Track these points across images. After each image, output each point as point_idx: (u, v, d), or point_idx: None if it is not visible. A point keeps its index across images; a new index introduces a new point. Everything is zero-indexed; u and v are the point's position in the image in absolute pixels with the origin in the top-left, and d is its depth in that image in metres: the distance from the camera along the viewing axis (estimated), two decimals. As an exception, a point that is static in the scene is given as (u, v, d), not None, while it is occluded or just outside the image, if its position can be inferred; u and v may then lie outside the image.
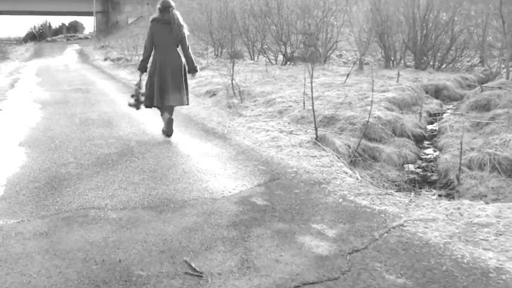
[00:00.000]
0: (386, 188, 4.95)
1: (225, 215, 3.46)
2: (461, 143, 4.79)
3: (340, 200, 3.78)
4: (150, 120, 7.20)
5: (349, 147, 5.67)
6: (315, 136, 5.67)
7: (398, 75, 9.05)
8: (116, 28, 46.01)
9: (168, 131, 5.99)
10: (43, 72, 17.10)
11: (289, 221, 3.34)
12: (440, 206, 3.50)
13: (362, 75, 10.70)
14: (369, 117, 5.94)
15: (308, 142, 5.61)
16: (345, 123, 6.43)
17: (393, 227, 3.18)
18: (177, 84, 5.83)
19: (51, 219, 3.40)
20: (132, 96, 6.19)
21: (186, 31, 5.89)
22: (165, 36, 5.73)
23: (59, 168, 4.71)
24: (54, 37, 51.62)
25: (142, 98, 6.06)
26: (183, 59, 5.94)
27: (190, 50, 5.99)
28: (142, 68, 5.99)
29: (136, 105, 6.15)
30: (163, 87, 5.78)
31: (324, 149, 5.31)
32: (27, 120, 7.35)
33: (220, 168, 4.69)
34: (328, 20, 16.27)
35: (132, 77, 14.85)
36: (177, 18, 5.74)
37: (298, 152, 5.22)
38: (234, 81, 8.83)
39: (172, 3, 5.80)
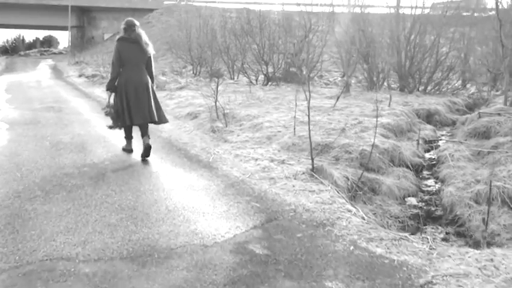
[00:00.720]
0: (389, 226, 4.51)
1: (220, 269, 2.92)
2: (489, 184, 4.36)
3: (352, 247, 3.29)
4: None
5: (348, 179, 5.20)
6: (310, 167, 5.19)
7: (390, 99, 8.69)
8: (92, 44, 45.20)
9: (145, 155, 5.92)
10: (14, 88, 16.32)
11: (297, 277, 2.83)
12: (469, 257, 3.05)
13: (350, 98, 10.33)
14: (372, 147, 5.50)
15: (303, 173, 5.12)
16: (339, 151, 5.98)
17: (421, 286, 2.70)
18: (145, 101, 5.85)
19: (10, 274, 2.82)
20: (107, 114, 6.24)
21: (151, 50, 5.97)
22: (132, 54, 5.75)
23: (23, 203, 4.11)
24: (27, 51, 50.43)
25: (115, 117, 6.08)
26: (148, 77, 6.00)
27: (154, 69, 6.19)
28: (110, 88, 5.96)
29: (116, 126, 6.17)
30: (131, 105, 5.78)
31: (321, 182, 4.84)
32: (-9, 143, 6.71)
33: (209, 205, 4.15)
34: (310, 40, 15.98)
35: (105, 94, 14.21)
36: (144, 37, 5.83)
37: (293, 186, 4.73)
38: (217, 104, 8.34)
39: (137, 23, 5.86)
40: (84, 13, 47.32)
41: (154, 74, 6.20)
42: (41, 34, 60.70)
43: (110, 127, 6.23)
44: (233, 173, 5.27)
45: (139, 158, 5.92)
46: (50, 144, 6.70)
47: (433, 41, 13.64)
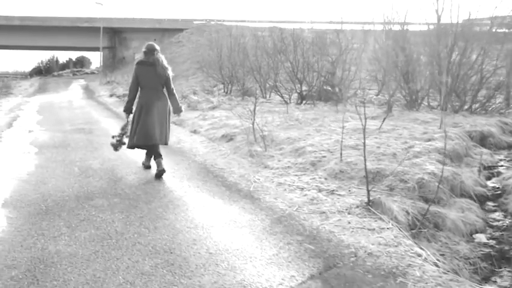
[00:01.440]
0: (461, 270, 3.89)
1: None
2: None
3: (436, 309, 2.69)
4: (167, 173, 6.16)
5: (408, 213, 4.59)
6: (365, 199, 4.60)
7: (442, 120, 8.03)
8: (123, 63, 45.68)
9: (158, 175, 5.96)
10: (45, 109, 16.24)
11: None
12: None
13: (393, 119, 9.69)
14: (441, 179, 4.87)
15: (357, 207, 4.54)
16: (393, 180, 5.37)
17: None
18: (161, 124, 6.01)
19: None
20: (113, 137, 6.33)
21: (170, 73, 6.06)
22: (149, 77, 5.89)
23: (47, 243, 3.65)
24: (60, 72, 51.32)
25: (126, 140, 6.22)
26: (168, 100, 6.15)
27: (174, 91, 6.26)
28: (128, 110, 6.13)
29: (116, 146, 6.29)
30: (147, 127, 5.88)
31: (380, 218, 4.24)
32: (18, 169, 6.33)
33: (256, 247, 3.61)
34: (344, 58, 15.45)
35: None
36: (162, 61, 5.93)
37: (349, 222, 4.15)
38: (254, 125, 7.84)
39: (157, 47, 6.02)
40: (115, 34, 47.97)
41: (177, 97, 6.35)
42: (74, 55, 61.86)
43: (112, 145, 6.35)
44: (278, 205, 4.73)
45: (173, 187, 5.44)
46: (79, 170, 6.29)
47: (476, 58, 12.91)
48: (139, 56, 6.07)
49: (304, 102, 16.21)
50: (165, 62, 5.99)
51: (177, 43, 39.88)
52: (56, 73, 49.64)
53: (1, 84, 24.44)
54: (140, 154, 6.96)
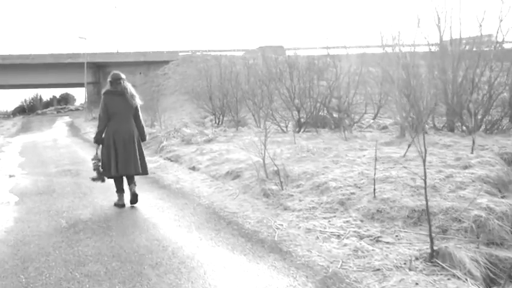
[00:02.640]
0: None
1: None
2: None
3: None
4: (167, 222, 5.25)
5: (478, 263, 3.71)
6: (427, 249, 3.72)
7: (474, 143, 7.22)
8: (108, 98, 44.72)
9: (132, 202, 6.05)
10: (28, 149, 15.23)
11: None
12: None
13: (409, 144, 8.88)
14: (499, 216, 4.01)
15: (418, 259, 3.65)
16: (444, 219, 4.51)
17: None
18: (131, 153, 5.95)
19: None
20: (94, 169, 6.17)
21: (138, 101, 6.09)
22: (118, 106, 5.90)
23: (26, 338, 2.69)
24: (44, 110, 50.22)
25: (101, 169, 6.10)
26: (135, 128, 6.10)
27: (142, 119, 6.28)
28: (98, 140, 6.08)
29: (100, 178, 6.18)
30: (118, 156, 5.89)
31: (453, 275, 3.36)
32: (-6, 225, 5.37)
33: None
34: (346, 81, 14.79)
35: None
36: (130, 89, 5.99)
37: (417, 284, 3.25)
38: (265, 159, 6.98)
39: (123, 76, 6.05)
40: (99, 69, 47.18)
41: (143, 126, 6.32)
42: (58, 92, 60.87)
43: (94, 179, 6.23)
44: (316, 261, 3.82)
45: (181, 240, 4.52)
46: (67, 223, 5.33)
47: (480, 76, 12.30)
48: (106, 86, 6.09)
49: (302, 130, 15.46)
50: (133, 90, 6.06)
51: (163, 75, 39.21)
52: (39, 111, 48.52)
53: (-19, 125, 23.34)
54: (142, 200, 6.07)
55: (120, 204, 6.08)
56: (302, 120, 15.75)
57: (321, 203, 5.36)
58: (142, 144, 6.31)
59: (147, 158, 11.68)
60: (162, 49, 48.73)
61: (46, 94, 77.42)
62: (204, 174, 8.27)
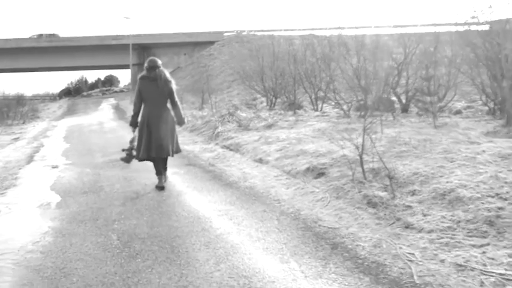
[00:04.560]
0: None
1: None
2: None
3: None
4: (248, 242, 3.95)
5: None
6: None
7: None
8: (153, 80, 44.09)
9: (159, 186, 6.13)
10: (73, 134, 14.30)
11: None
12: None
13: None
14: None
15: None
16: None
17: None
18: (162, 136, 5.97)
19: None
20: (123, 150, 6.34)
21: (173, 86, 6.14)
22: (151, 92, 6.01)
23: None
24: (89, 92, 50.14)
25: (135, 153, 6.21)
26: (171, 113, 6.16)
27: (178, 103, 6.25)
28: (133, 123, 6.21)
29: (127, 159, 6.32)
30: (150, 139, 5.95)
31: None
32: (29, 239, 4.20)
33: None
34: (408, 62, 13.14)
35: (181, 138, 11.79)
36: (164, 75, 6.01)
37: None
38: (355, 153, 5.57)
39: (159, 62, 6.09)
40: (144, 50, 46.47)
41: (181, 109, 6.29)
42: (102, 74, 60.94)
43: (122, 159, 6.38)
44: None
45: (277, 274, 3.19)
46: (119, 241, 4.09)
47: None
48: (142, 72, 6.18)
49: (368, 114, 13.89)
50: (168, 76, 6.11)
51: (208, 56, 38.04)
52: (85, 93, 48.46)
53: (28, 108, 22.75)
54: (209, 205, 4.79)
55: (160, 187, 6.14)
56: (368, 103, 14.20)
57: (459, 221, 3.91)
58: (177, 128, 6.38)
59: (201, 145, 10.53)
60: (207, 29, 47.62)
61: (91, 76, 77.99)
62: (275, 169, 6.92)
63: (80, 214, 5.03)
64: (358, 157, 5.68)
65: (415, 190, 4.72)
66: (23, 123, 19.89)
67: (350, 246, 3.78)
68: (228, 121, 12.15)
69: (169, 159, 8.37)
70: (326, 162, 6.27)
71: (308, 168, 6.25)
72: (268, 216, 4.71)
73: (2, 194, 6.19)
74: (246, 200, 5.42)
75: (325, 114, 15.13)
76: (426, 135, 7.21)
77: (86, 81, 57.82)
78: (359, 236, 3.97)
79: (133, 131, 6.26)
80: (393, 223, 4.15)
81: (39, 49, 46.08)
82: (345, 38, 16.06)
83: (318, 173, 6.05)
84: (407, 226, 4.02)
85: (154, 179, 6.54)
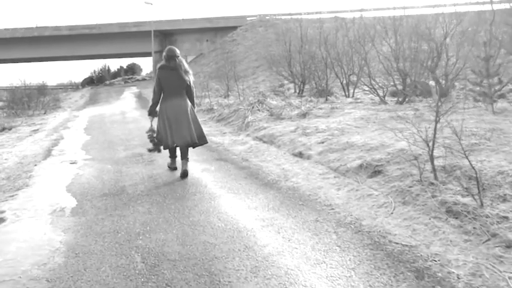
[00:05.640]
0: None
1: None
2: None
3: None
4: (306, 267, 3.11)
5: None
6: None
7: None
8: (175, 67, 43.36)
9: (182, 177, 5.96)
10: (94, 125, 13.64)
11: None
12: None
13: None
14: None
15: None
16: None
17: None
18: (185, 124, 6.01)
19: None
20: (150, 141, 6.41)
21: (191, 77, 6.20)
22: (172, 81, 6.01)
23: None
24: (112, 80, 49.72)
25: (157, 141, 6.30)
26: (188, 100, 6.17)
27: (194, 94, 6.35)
28: (151, 113, 6.31)
29: (156, 149, 6.42)
30: (172, 128, 6.01)
31: None
32: (33, 263, 3.44)
33: None
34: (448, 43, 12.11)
35: (207, 129, 11.01)
36: (183, 65, 6.05)
37: None
38: (433, 149, 4.67)
39: (177, 52, 6.08)
40: (165, 37, 45.77)
41: (195, 98, 6.43)
42: (125, 63, 60.55)
43: (150, 150, 6.47)
44: None
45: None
46: (144, 264, 3.30)
47: None
48: (161, 61, 6.16)
49: (406, 99, 12.90)
50: (186, 66, 6.12)
51: (231, 42, 37.08)
52: (108, 82, 48.00)
53: (49, 98, 22.21)
54: (249, 212, 3.98)
55: (172, 168, 6.38)
56: (403, 88, 13.17)
57: None
58: (196, 114, 6.33)
59: (230, 137, 9.71)
60: (229, 14, 46.65)
61: (114, 65, 77.85)
62: (319, 165, 6.06)
63: (98, 224, 4.27)
64: (421, 152, 4.80)
65: (505, 195, 3.81)
66: (44, 113, 19.34)
67: (440, 275, 2.92)
68: (258, 109, 11.29)
69: (198, 154, 7.63)
70: (381, 157, 5.37)
71: (361, 165, 5.37)
72: (323, 228, 3.87)
73: (12, 196, 5.47)
74: (292, 204, 4.58)
75: (359, 100, 14.19)
76: (492, 124, 6.25)
77: (108, 69, 57.40)
78: (447, 259, 3.10)
79: (151, 120, 6.35)
80: (488, 240, 3.26)
81: (59, 38, 45.77)
82: (381, 18, 14.99)
83: (373, 171, 5.17)
84: (509, 245, 3.14)
85: (181, 182, 5.77)
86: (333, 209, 4.37)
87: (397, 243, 3.44)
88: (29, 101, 20.49)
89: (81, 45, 46.73)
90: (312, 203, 4.59)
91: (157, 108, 6.24)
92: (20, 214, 4.70)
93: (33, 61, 52.33)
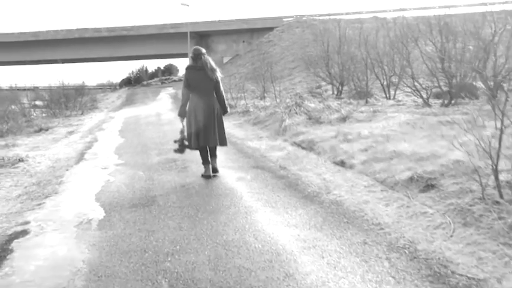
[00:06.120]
0: None
1: None
2: None
3: None
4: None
5: None
6: None
7: None
8: (211, 68, 43.36)
9: (213, 171, 6.17)
10: (129, 127, 13.50)
11: None
12: None
13: None
14: None
15: None
16: None
17: None
18: (210, 125, 6.00)
19: None
20: (175, 141, 6.39)
21: (219, 74, 6.13)
22: (199, 81, 6.02)
23: None
24: (149, 81, 50.16)
25: (186, 143, 6.24)
26: (216, 101, 6.14)
27: (223, 92, 6.26)
28: (181, 113, 6.28)
29: (181, 150, 6.34)
30: (198, 128, 5.98)
31: None
32: (54, 285, 3.13)
33: None
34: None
35: (243, 132, 10.67)
36: (210, 63, 6.01)
37: None
38: (498, 162, 4.15)
39: (203, 50, 6.10)
40: (202, 38, 45.87)
41: (225, 97, 6.33)
42: (162, 64, 61.19)
43: (175, 150, 6.42)
44: None
45: None
46: (172, 292, 2.95)
47: None
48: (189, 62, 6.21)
49: (452, 102, 12.22)
50: (213, 64, 6.07)
51: (267, 43, 36.70)
52: (145, 82, 48.43)
53: (87, 98, 22.37)
54: (289, 231, 3.56)
55: (206, 176, 6.14)
56: (449, 89, 12.48)
57: None
58: (222, 117, 6.32)
59: (267, 141, 9.30)
60: (265, 15, 46.35)
61: (151, 65, 78.75)
62: (364, 175, 5.59)
63: (125, 240, 3.94)
64: (481, 164, 4.29)
65: None
66: (81, 114, 19.44)
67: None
68: (296, 113, 10.85)
69: (233, 160, 7.28)
70: (434, 169, 4.87)
71: (411, 178, 4.88)
72: (373, 253, 3.42)
73: (39, 205, 5.23)
74: (336, 222, 4.15)
75: (401, 103, 13.60)
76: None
77: (146, 70, 57.98)
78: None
79: (182, 121, 6.34)
80: None
81: (98, 39, 46.52)
82: (424, 18, 14.36)
83: (426, 184, 4.67)
84: None
85: (215, 187, 5.43)
86: (382, 228, 3.92)
87: (461, 275, 2.97)
88: (66, 102, 20.64)
89: (119, 46, 47.40)
90: (358, 221, 4.15)
91: (187, 108, 6.20)
92: (45, 226, 4.43)
93: (74, 62, 53.45)
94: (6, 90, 34.66)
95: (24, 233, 4.26)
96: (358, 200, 4.73)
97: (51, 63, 52.23)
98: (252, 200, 4.99)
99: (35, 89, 28.16)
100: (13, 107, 18.74)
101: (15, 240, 4.05)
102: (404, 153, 5.73)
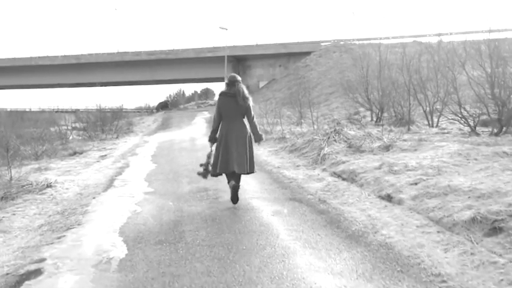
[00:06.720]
0: None
1: None
2: None
3: None
4: None
5: None
6: None
7: None
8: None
9: (233, 199, 6.03)
10: (163, 152, 13.21)
11: None
12: None
13: None
14: None
15: None
16: None
17: None
18: (241, 152, 5.94)
19: None
20: (201, 165, 6.38)
21: (250, 102, 6.12)
22: (230, 107, 6.01)
23: None
24: (186, 104, 50.52)
25: (211, 168, 6.18)
26: (249, 129, 6.13)
27: (255, 120, 6.23)
28: (212, 139, 6.23)
29: (204, 174, 6.29)
30: (227, 154, 5.91)
31: None
32: None
33: None
34: None
35: (279, 160, 10.17)
36: (242, 91, 6.03)
37: None
38: None
39: (239, 78, 6.16)
40: (239, 62, 46.01)
41: (257, 125, 6.27)
42: (199, 87, 61.79)
43: (199, 173, 6.38)
44: None
45: None
46: None
47: None
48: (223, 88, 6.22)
49: (503, 131, 11.44)
50: (246, 92, 6.08)
51: (304, 67, 36.38)
52: (181, 106, 48.75)
53: (123, 122, 22.41)
54: (334, 281, 3.01)
55: (234, 200, 6.03)
56: (499, 117, 11.69)
57: None
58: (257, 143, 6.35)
59: (304, 171, 8.76)
60: (303, 39, 46.16)
61: (188, 89, 79.78)
62: (415, 213, 4.99)
63: (146, 286, 3.47)
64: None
65: None
66: (117, 137, 19.38)
67: None
68: (335, 140, 10.29)
69: (269, 191, 6.80)
70: (500, 209, 4.24)
71: (473, 219, 4.25)
72: (437, 315, 2.83)
73: (59, 238, 4.85)
74: (388, 271, 3.57)
75: (445, 130, 12.89)
76: None
77: (183, 94, 58.55)
78: None
79: (211, 146, 6.28)
80: None
81: (138, 62, 47.32)
82: (472, 42, 13.66)
83: (492, 227, 4.05)
84: None
85: (249, 222, 4.94)
86: (444, 281, 3.32)
87: None
88: (103, 125, 20.69)
89: (158, 69, 48.08)
90: (414, 270, 3.57)
91: (217, 135, 6.17)
92: (60, 265, 4.02)
93: (113, 85, 54.44)
94: (48, 112, 35.32)
95: (37, 273, 3.85)
96: (412, 243, 4.14)
97: (90, 86, 53.38)
98: (290, 239, 4.46)
99: (75, 112, 28.53)
100: (51, 129, 18.89)
101: (26, 283, 3.64)
102: (461, 189, 5.10)
